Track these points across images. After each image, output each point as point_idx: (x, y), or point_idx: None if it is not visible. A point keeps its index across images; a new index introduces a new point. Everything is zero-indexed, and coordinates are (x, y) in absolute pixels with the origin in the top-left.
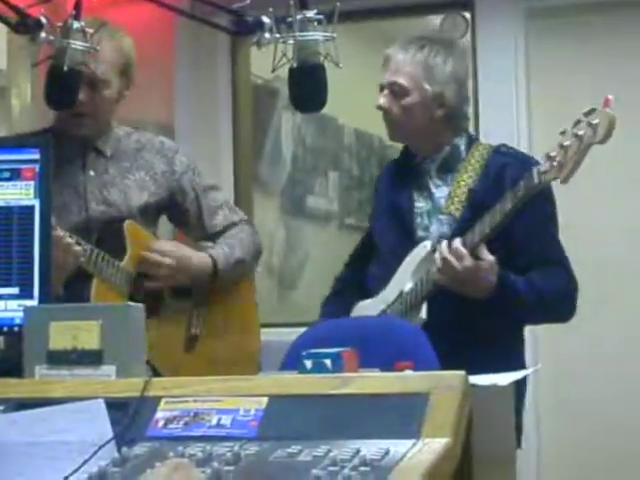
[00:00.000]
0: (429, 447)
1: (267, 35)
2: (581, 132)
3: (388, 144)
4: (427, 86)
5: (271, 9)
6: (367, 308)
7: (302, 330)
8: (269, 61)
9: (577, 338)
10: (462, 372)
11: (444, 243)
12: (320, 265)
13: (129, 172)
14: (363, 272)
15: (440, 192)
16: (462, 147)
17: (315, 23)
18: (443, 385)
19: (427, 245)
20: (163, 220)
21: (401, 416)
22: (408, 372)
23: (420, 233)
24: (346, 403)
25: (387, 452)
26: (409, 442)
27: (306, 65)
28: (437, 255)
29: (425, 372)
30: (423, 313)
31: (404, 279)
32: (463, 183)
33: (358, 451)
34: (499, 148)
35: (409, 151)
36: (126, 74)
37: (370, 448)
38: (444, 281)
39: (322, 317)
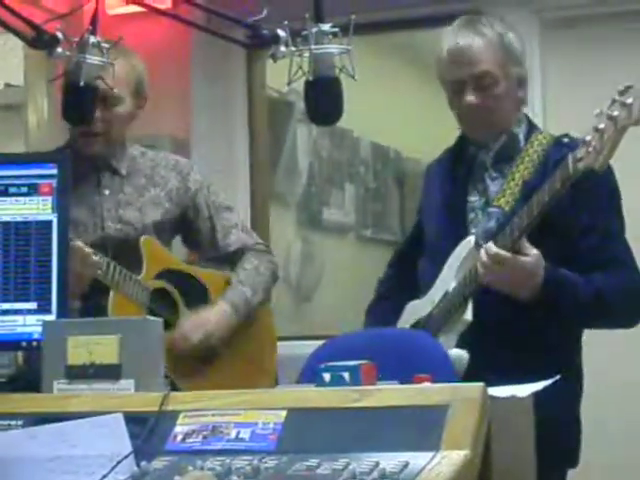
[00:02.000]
0: (448, 459)
1: (283, 48)
2: (615, 113)
3: (404, 156)
4: (512, 68)
5: (286, 22)
6: (416, 309)
7: (319, 343)
8: (284, 74)
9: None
10: (481, 384)
11: (482, 251)
12: (337, 278)
13: (144, 190)
14: (410, 269)
15: (495, 185)
16: (521, 136)
17: (330, 36)
18: (462, 397)
19: (470, 241)
20: (178, 242)
21: (420, 428)
22: (427, 384)
23: (473, 229)
24: (365, 416)
25: (406, 465)
26: (428, 454)
27: (322, 78)
28: (479, 261)
29: (444, 384)
30: (469, 314)
31: (449, 278)
32: (518, 175)
33: (377, 464)
34: (561, 138)
35: (463, 141)
36: (138, 93)
37: (389, 461)
38: (489, 284)
39: (367, 323)
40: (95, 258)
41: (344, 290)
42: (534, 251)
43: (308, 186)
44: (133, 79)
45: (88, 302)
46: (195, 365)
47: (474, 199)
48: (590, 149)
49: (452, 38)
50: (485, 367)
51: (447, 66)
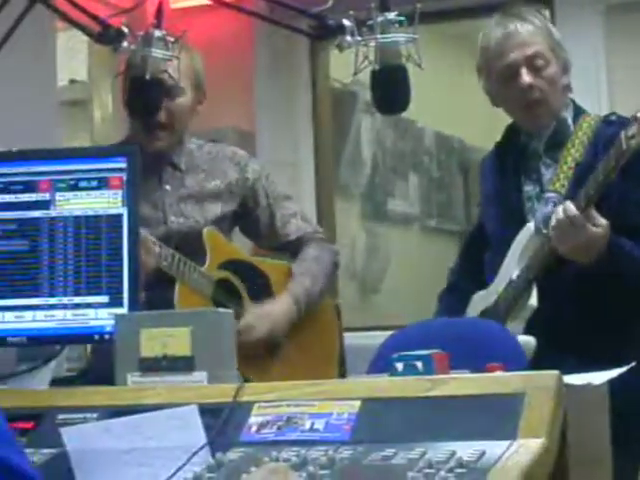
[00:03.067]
0: (525, 448)
1: (348, 38)
2: None
3: (468, 145)
4: (560, 52)
5: (352, 12)
6: (482, 299)
7: (385, 334)
8: (348, 65)
9: None
10: (556, 372)
11: (560, 208)
12: (402, 268)
13: (204, 183)
14: (478, 259)
15: (550, 173)
16: (569, 120)
17: (396, 25)
18: (537, 385)
19: (530, 227)
20: (238, 233)
21: (496, 417)
22: (501, 373)
23: (531, 219)
24: (439, 405)
25: (483, 453)
26: (505, 443)
27: (388, 67)
28: (555, 218)
29: (519, 372)
30: (533, 299)
31: (512, 266)
32: (570, 158)
33: (454, 453)
34: (608, 117)
35: (512, 131)
36: (198, 87)
37: (465, 450)
38: (557, 242)
39: (438, 312)
40: (160, 249)
41: (409, 280)
42: (603, 220)
43: (372, 177)
44: (194, 72)
45: (153, 294)
46: (259, 357)
47: (529, 188)
48: None
49: (498, 27)
50: (552, 352)
51: (496, 53)
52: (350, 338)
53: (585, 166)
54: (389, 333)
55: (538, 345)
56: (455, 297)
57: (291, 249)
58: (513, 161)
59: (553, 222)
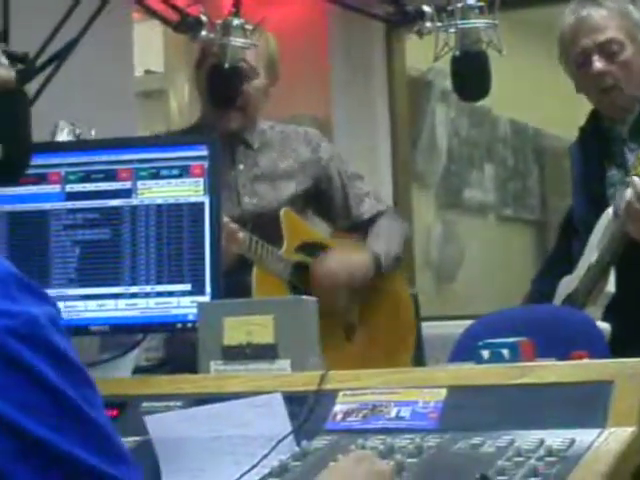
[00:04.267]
0: (615, 436)
1: (428, 24)
2: None
3: (543, 134)
4: (638, 34)
5: None
6: (567, 285)
7: (461, 323)
8: (423, 52)
9: None
10: None
11: (628, 190)
12: (478, 257)
13: (277, 162)
14: (569, 245)
15: (634, 157)
16: None
17: (476, 10)
18: (627, 373)
19: (609, 212)
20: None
21: (584, 405)
22: (589, 360)
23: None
24: (527, 393)
25: (572, 442)
26: (595, 432)
27: (469, 53)
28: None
29: (607, 360)
30: (611, 286)
31: (592, 251)
32: None
33: (542, 441)
34: None
35: (595, 116)
36: (272, 69)
37: (554, 438)
38: (627, 224)
39: (528, 295)
40: (241, 234)
41: (485, 270)
42: None
43: (448, 166)
44: (267, 54)
45: (230, 278)
46: (335, 340)
47: (613, 173)
48: None
49: (573, 13)
50: (631, 339)
51: (571, 39)
52: (426, 327)
53: None
54: (465, 322)
55: (615, 331)
56: (546, 281)
57: (365, 229)
58: (597, 146)
59: (624, 203)
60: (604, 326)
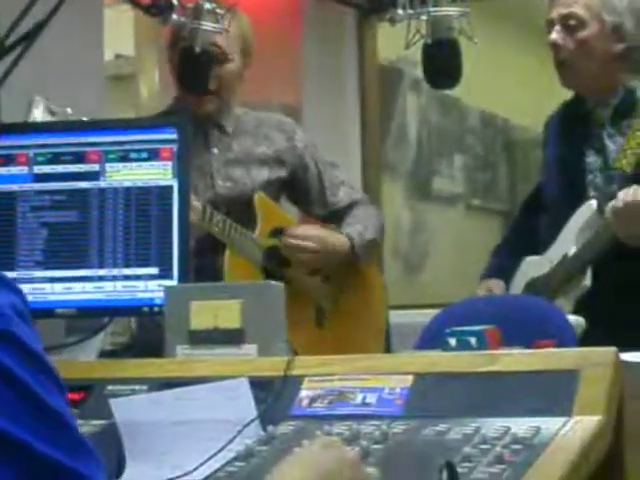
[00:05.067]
0: (581, 425)
1: (400, 11)
2: None
3: (513, 125)
4: (606, 16)
5: None
6: (534, 266)
7: (429, 312)
8: (394, 41)
9: None
10: (613, 348)
11: (629, 191)
12: (447, 247)
13: (251, 148)
14: (536, 219)
15: (614, 144)
16: (639, 91)
17: None
18: (593, 362)
19: (592, 204)
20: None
21: (551, 394)
22: (555, 349)
23: (591, 192)
24: (494, 381)
25: (538, 430)
26: (560, 420)
27: (441, 41)
28: (618, 201)
29: (574, 349)
30: (587, 279)
31: (568, 241)
32: (639, 133)
33: (508, 429)
34: None
35: (579, 97)
36: (246, 52)
37: (520, 426)
38: (617, 227)
39: (489, 266)
40: (196, 203)
41: (453, 259)
42: None
43: (417, 155)
44: (241, 37)
45: (203, 261)
46: (306, 325)
47: (591, 159)
48: None
49: None
50: (602, 332)
51: (547, 10)
52: (394, 316)
53: None
54: (433, 311)
55: (588, 326)
56: (509, 252)
57: (340, 217)
58: (577, 127)
59: (619, 203)
60: (579, 320)
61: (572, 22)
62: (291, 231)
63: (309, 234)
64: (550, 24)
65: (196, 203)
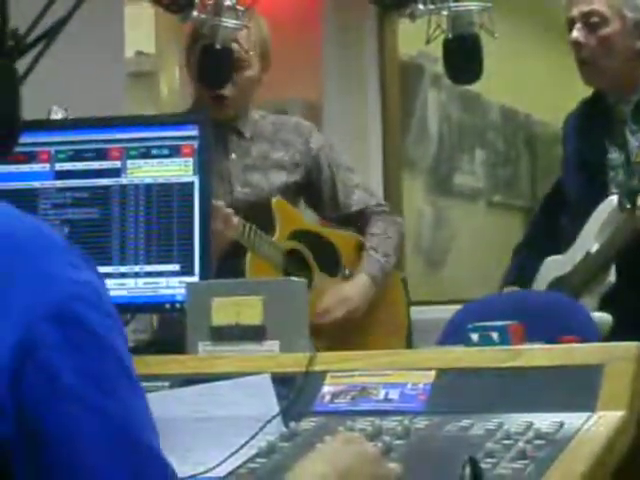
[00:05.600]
0: (605, 420)
1: (421, 6)
2: None
3: (534, 119)
4: (628, 13)
5: None
6: (556, 265)
7: (450, 308)
8: (415, 37)
9: None
10: (636, 343)
11: None
12: (468, 243)
13: (269, 153)
14: (556, 217)
15: (636, 140)
16: None
17: None
18: (617, 357)
19: (613, 200)
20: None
21: (574, 389)
22: (578, 344)
23: (614, 189)
24: (517, 376)
25: (561, 425)
26: (584, 415)
27: (462, 35)
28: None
29: (597, 344)
30: (612, 275)
31: (590, 238)
32: None
33: (531, 424)
34: None
35: (599, 94)
36: (264, 56)
37: (543, 421)
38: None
39: (512, 265)
40: (235, 219)
41: (475, 255)
42: None
43: (438, 151)
44: (260, 42)
45: (224, 264)
46: (329, 327)
47: (613, 156)
48: None
49: None
50: (629, 328)
51: (565, 8)
52: (416, 312)
53: None
54: (454, 307)
55: (614, 322)
56: (530, 252)
57: (353, 221)
58: (598, 124)
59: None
60: (605, 317)
61: (594, 19)
62: (317, 312)
63: (329, 306)
64: (571, 22)
65: (224, 205)
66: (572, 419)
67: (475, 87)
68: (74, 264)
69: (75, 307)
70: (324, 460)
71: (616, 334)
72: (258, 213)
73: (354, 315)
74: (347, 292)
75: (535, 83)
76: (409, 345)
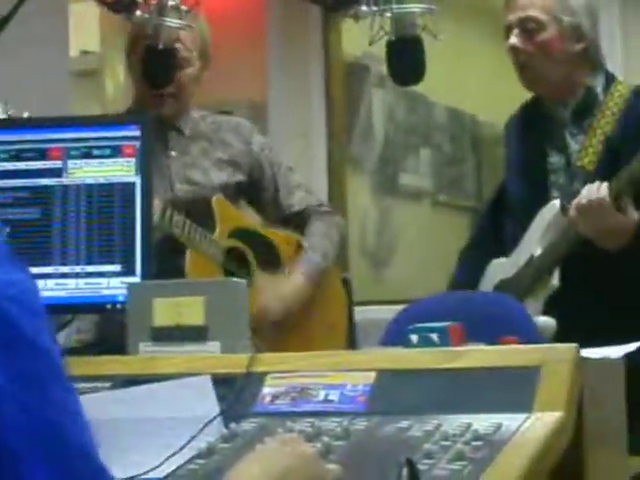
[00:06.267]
0: (542, 421)
1: (364, 8)
2: None
3: (480, 121)
4: (564, 17)
5: None
6: (500, 268)
7: (395, 308)
8: (360, 38)
9: None
10: (574, 345)
11: (592, 187)
12: (413, 243)
13: (208, 152)
14: (500, 220)
15: (576, 142)
16: (599, 88)
17: None
18: (555, 358)
19: (555, 204)
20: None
21: (512, 390)
22: (518, 346)
23: (555, 193)
24: (456, 377)
25: (499, 426)
26: (522, 416)
27: (404, 37)
28: (581, 199)
29: (536, 345)
30: (555, 279)
31: (534, 242)
32: (600, 131)
33: (470, 425)
34: None
35: (537, 98)
36: (204, 55)
37: (482, 422)
38: (580, 225)
39: (457, 269)
40: (172, 215)
41: (420, 255)
42: (635, 215)
43: (384, 151)
44: (201, 40)
45: (164, 262)
46: (267, 327)
47: (554, 160)
48: None
49: None
50: (572, 331)
51: (503, 14)
52: (360, 312)
53: (615, 140)
54: (399, 307)
55: (557, 326)
56: (476, 255)
57: (295, 221)
58: (538, 127)
59: (582, 200)
60: (549, 321)
61: (530, 25)
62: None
63: (269, 307)
64: (508, 28)
65: (157, 202)
66: (510, 420)
67: (421, 88)
68: (3, 264)
69: (4, 307)
70: (262, 461)
71: (560, 338)
72: (199, 211)
73: (291, 312)
74: (283, 290)
75: (481, 84)
76: (353, 345)
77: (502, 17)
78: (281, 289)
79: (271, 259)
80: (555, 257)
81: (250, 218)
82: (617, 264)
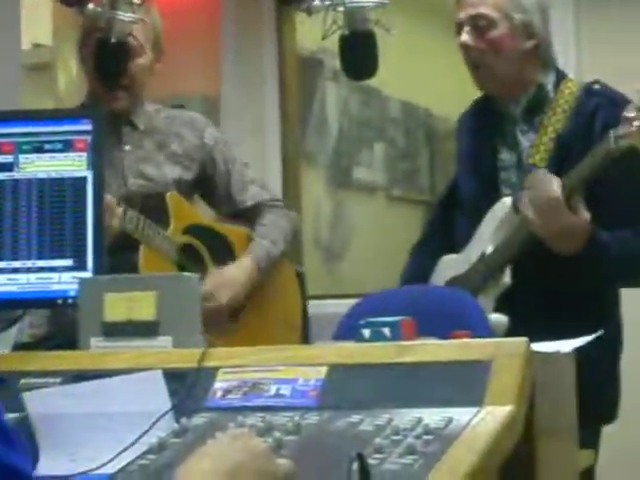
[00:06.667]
0: (493, 415)
1: (317, 2)
2: None
3: (435, 115)
4: (515, 14)
5: None
6: (452, 264)
7: (349, 302)
8: (314, 32)
9: None
10: (524, 339)
11: (545, 185)
12: (367, 237)
13: (162, 147)
14: (451, 216)
15: (527, 140)
16: (550, 86)
17: None
18: (505, 352)
19: (507, 202)
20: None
21: (464, 384)
22: (470, 340)
23: (506, 190)
24: (407, 372)
25: (450, 420)
26: (472, 410)
27: (357, 32)
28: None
29: (487, 339)
30: (507, 277)
31: (485, 239)
32: (551, 128)
33: (420, 420)
34: (591, 86)
35: (488, 95)
36: (157, 46)
37: (433, 417)
38: (536, 229)
39: (408, 265)
40: (125, 212)
41: (374, 249)
42: (586, 214)
43: (338, 145)
44: (153, 31)
45: (117, 258)
46: (221, 321)
47: (505, 157)
48: (633, 128)
49: None
50: (524, 328)
51: (455, 11)
52: (314, 306)
53: (566, 137)
54: (353, 301)
55: (509, 323)
56: (427, 251)
57: (248, 216)
58: (489, 124)
59: (536, 200)
60: (501, 318)
61: (481, 23)
62: (205, 293)
63: (214, 288)
64: (459, 25)
65: (110, 197)
66: (461, 414)
67: (375, 82)
68: None
69: None
70: (212, 457)
71: (511, 335)
72: (152, 206)
73: (238, 297)
74: (229, 276)
75: (435, 78)
76: (306, 339)
77: (453, 14)
78: (228, 274)
79: (225, 255)
80: (507, 255)
81: (204, 214)
82: (568, 263)
